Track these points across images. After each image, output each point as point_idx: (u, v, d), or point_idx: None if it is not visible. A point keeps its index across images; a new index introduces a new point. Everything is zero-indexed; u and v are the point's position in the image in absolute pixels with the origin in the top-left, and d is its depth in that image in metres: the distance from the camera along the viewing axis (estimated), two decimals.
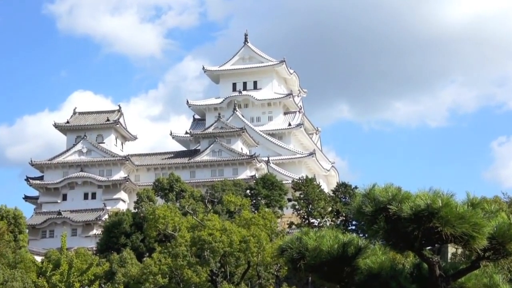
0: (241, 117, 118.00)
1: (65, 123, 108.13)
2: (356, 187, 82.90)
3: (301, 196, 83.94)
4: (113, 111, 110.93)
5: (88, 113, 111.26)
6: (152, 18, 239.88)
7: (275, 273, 61.48)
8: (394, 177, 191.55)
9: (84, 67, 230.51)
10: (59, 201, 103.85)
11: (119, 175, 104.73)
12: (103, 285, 59.94)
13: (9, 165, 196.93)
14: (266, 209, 76.89)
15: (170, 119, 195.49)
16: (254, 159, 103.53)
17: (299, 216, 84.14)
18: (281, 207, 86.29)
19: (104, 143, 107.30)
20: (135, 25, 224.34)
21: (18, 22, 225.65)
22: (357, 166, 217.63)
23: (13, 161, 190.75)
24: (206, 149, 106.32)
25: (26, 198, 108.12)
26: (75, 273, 50.97)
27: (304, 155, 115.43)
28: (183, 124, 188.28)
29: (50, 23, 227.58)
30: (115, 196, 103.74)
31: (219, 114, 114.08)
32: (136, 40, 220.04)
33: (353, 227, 78.04)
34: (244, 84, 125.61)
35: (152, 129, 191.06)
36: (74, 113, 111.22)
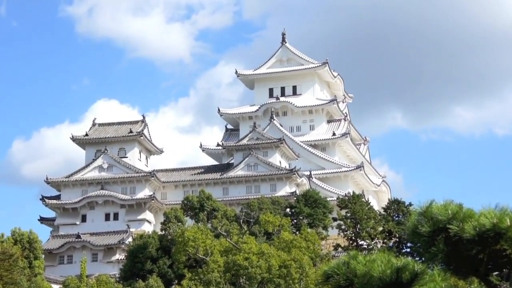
0: (279, 126, 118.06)
1: (84, 136, 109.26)
2: (410, 204, 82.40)
3: (348, 214, 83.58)
4: (136, 122, 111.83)
5: (109, 124, 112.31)
6: (180, 18, 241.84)
7: None
8: (456, 193, 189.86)
9: (107, 74, 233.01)
10: (77, 222, 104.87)
11: (144, 193, 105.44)
12: None
13: (25, 183, 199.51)
14: (309, 230, 76.73)
15: (201, 130, 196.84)
16: (294, 174, 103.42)
17: (345, 238, 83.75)
18: (325, 227, 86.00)
19: (126, 157, 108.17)
20: (162, 27, 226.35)
21: (34, 26, 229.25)
22: (414, 181, 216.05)
23: (29, 179, 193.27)
24: (240, 163, 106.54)
25: (42, 219, 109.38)
26: None
27: (350, 169, 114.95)
28: (216, 135, 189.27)
29: (68, 26, 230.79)
30: (139, 217, 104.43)
31: (254, 123, 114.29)
32: (163, 43, 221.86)
33: (408, 250, 77.51)
34: (282, 89, 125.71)
35: (182, 142, 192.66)
36: (94, 124, 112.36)
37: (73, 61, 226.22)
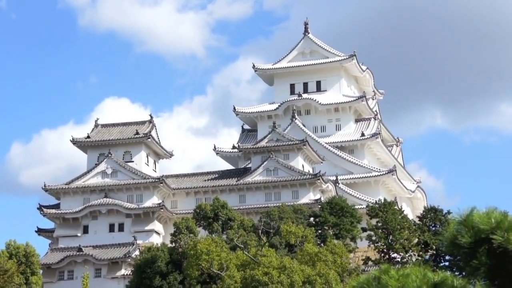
0: (301, 126, 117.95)
1: (85, 138, 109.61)
2: (449, 212, 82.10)
3: (379, 224, 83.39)
4: (143, 122, 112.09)
5: (113, 125, 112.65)
6: (194, 8, 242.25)
7: None
8: (503, 200, 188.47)
9: (114, 70, 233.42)
10: (79, 234, 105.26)
11: (152, 201, 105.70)
12: None
13: (24, 192, 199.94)
14: (335, 241, 76.57)
15: (219, 131, 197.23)
16: (318, 179, 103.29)
17: (376, 250, 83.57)
18: (353, 239, 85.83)
19: (132, 161, 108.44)
20: (173, 18, 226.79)
21: (33, 18, 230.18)
22: (456, 188, 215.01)
23: (28, 187, 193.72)
24: (258, 167, 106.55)
25: (40, 231, 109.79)
26: None
27: (381, 173, 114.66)
28: (234, 137, 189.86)
29: (70, 19, 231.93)
30: (147, 227, 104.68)
31: (274, 123, 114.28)
32: (175, 36, 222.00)
33: (446, 263, 77.20)
34: (305, 85, 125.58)
35: (199, 145, 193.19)
36: (96, 125, 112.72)
37: (77, 57, 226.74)
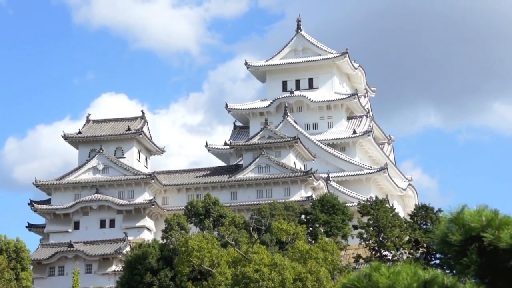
0: (293, 123, 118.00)
1: (77, 134, 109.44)
2: (440, 210, 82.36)
3: (370, 222, 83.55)
4: (135, 118, 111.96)
5: (105, 121, 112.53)
6: (189, 3, 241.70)
7: None
8: (497, 199, 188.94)
9: (110, 67, 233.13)
10: (70, 230, 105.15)
11: (143, 197, 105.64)
12: None
13: (18, 188, 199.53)
14: (326, 239, 76.69)
15: (213, 129, 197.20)
16: (310, 176, 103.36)
17: (367, 248, 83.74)
18: (344, 236, 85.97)
19: (124, 157, 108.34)
20: (168, 14, 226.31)
21: (29, 14, 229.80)
22: (450, 186, 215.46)
23: (22, 183, 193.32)
24: (250, 164, 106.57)
25: (30, 226, 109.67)
26: None
27: (373, 171, 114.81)
28: (228, 135, 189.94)
29: (64, 15, 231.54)
30: (138, 224, 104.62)
31: (266, 120, 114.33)
32: (170, 33, 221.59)
33: (437, 261, 77.40)
34: (297, 82, 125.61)
35: (195, 142, 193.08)
36: (88, 121, 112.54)
37: (73, 53, 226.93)
